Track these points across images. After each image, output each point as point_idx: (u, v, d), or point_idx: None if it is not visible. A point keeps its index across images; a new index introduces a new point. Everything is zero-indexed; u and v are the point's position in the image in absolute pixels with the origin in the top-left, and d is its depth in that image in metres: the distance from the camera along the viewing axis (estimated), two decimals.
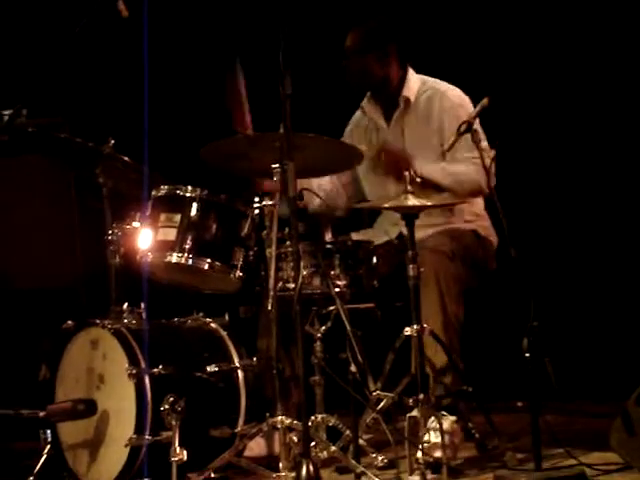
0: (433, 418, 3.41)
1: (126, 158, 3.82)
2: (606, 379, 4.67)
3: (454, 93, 4.21)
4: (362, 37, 4.21)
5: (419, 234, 3.74)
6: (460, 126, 3.55)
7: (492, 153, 3.80)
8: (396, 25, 4.27)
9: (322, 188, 4.25)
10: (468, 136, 3.63)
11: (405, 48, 4.25)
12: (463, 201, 4.04)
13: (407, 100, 4.22)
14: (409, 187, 3.46)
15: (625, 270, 4.89)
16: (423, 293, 3.66)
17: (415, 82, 4.25)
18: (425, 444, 3.33)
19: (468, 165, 3.97)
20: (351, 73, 4.22)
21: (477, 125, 3.80)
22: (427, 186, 3.93)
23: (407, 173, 3.54)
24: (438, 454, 3.37)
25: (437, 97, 4.19)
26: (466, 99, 4.16)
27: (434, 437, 3.40)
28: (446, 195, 4.01)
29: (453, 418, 3.61)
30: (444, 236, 4.05)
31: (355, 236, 4.11)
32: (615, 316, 4.87)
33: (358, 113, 4.40)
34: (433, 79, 4.27)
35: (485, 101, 3.65)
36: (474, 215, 4.21)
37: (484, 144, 3.92)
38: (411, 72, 4.26)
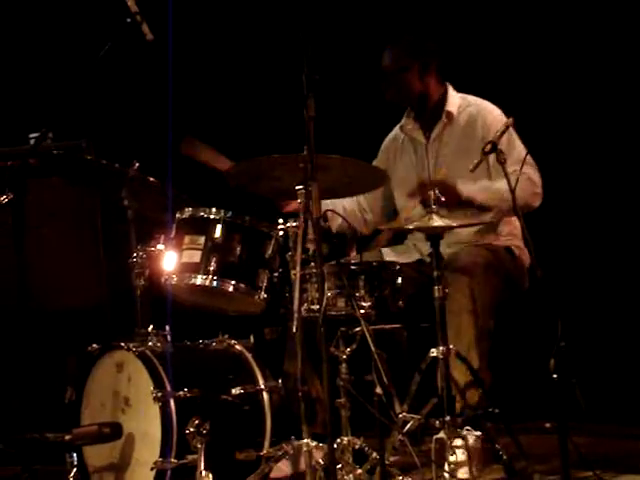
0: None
1: (152, 179, 3.83)
2: (635, 400, 4.62)
3: (497, 112, 4.17)
4: (401, 53, 4.21)
5: (452, 250, 3.71)
6: (485, 146, 3.54)
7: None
8: (436, 41, 4.25)
9: (343, 207, 4.25)
10: (514, 152, 3.72)
11: (446, 65, 4.24)
12: (482, 222, 4.00)
13: (450, 114, 4.21)
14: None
15: None
16: (456, 302, 3.63)
17: (456, 98, 4.25)
18: (452, 465, 3.30)
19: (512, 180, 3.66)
20: (391, 91, 4.21)
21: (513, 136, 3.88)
22: (469, 205, 3.95)
23: (432, 192, 3.53)
24: (464, 473, 3.34)
25: (480, 113, 4.18)
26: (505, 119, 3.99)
27: (459, 456, 3.37)
28: (492, 214, 3.99)
29: (478, 433, 3.58)
30: (478, 249, 4.04)
31: (385, 251, 4.10)
32: None
33: (395, 129, 4.40)
34: (474, 97, 4.26)
35: (510, 121, 3.65)
36: (510, 235, 4.16)
37: (524, 153, 3.87)
38: (451, 88, 4.27)
